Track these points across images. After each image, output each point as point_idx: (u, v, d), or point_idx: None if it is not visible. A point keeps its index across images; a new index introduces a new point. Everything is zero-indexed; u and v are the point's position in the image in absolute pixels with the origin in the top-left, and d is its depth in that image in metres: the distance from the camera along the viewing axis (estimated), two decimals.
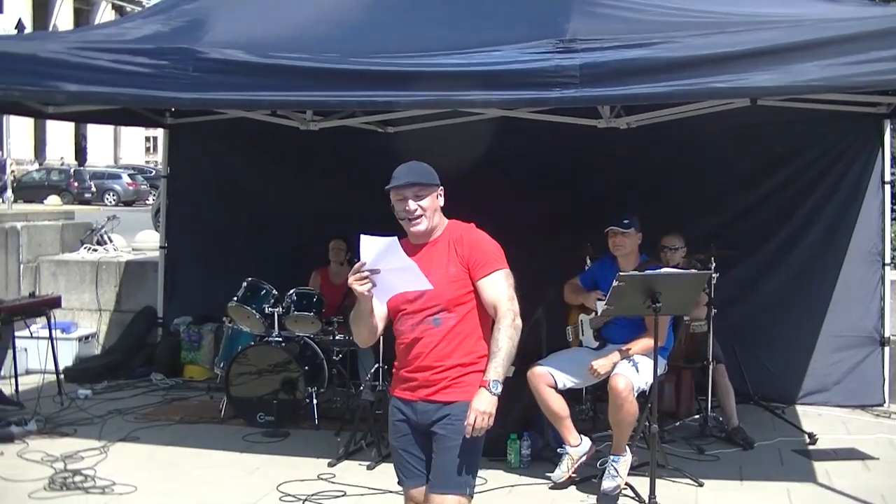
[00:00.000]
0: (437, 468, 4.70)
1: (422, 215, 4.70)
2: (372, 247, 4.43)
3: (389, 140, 10.49)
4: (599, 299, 7.43)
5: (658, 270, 7.18)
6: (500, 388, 4.52)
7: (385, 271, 4.44)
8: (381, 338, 8.70)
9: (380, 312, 4.80)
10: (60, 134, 56.27)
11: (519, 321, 4.63)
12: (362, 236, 4.42)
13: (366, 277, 4.46)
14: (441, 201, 4.80)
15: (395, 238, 4.41)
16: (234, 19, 7.37)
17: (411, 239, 4.76)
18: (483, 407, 4.49)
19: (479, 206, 10.11)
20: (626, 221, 7.48)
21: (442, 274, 4.66)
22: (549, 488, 7.35)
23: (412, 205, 4.68)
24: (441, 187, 4.81)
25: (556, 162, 10.09)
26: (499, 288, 4.66)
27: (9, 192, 23.21)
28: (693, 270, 8.01)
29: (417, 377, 4.74)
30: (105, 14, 57.86)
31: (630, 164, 9.85)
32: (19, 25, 21.58)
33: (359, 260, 4.47)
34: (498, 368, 4.54)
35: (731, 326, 9.08)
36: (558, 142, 9.69)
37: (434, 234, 4.79)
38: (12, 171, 25.13)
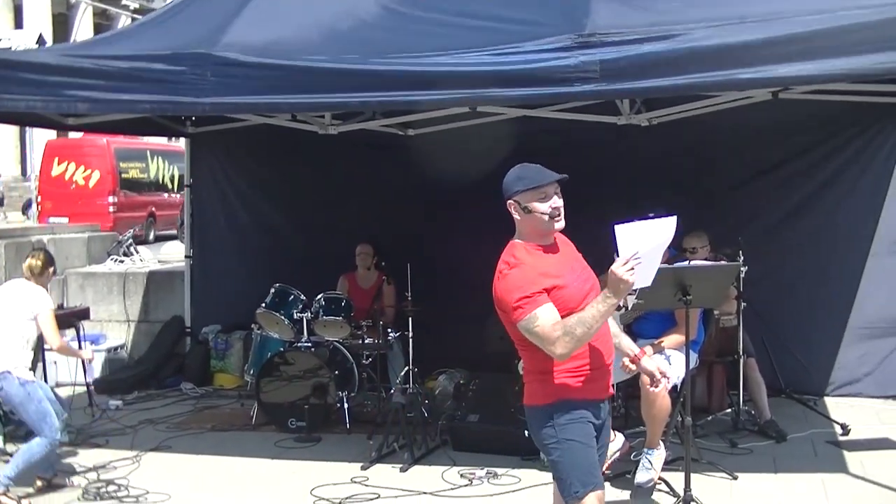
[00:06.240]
0: (601, 462, 4.87)
1: (562, 213, 4.67)
2: (633, 235, 4.45)
3: (411, 143, 10.48)
4: (629, 294, 7.39)
5: (687, 263, 7.14)
6: None
7: (643, 257, 4.42)
8: (411, 340, 8.84)
9: None
10: None
11: None
12: (619, 226, 4.43)
13: (632, 269, 4.39)
14: None
15: (653, 218, 4.57)
16: (250, 21, 7.33)
17: (540, 241, 4.71)
18: None
19: (501, 205, 10.23)
20: (651, 215, 7.39)
21: (589, 272, 4.85)
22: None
23: (559, 200, 4.66)
24: None
25: (579, 161, 10.00)
26: None
27: (34, 207, 23.32)
28: (723, 262, 7.99)
29: (605, 374, 4.74)
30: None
31: (653, 161, 9.80)
32: (40, 40, 21.60)
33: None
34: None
35: (760, 320, 9.04)
36: (580, 141, 9.66)
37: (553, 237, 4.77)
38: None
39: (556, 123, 9.20)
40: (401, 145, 10.50)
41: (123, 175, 24.35)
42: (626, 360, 6.95)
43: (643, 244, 4.41)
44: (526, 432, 5.17)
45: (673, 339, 7.16)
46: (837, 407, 9.33)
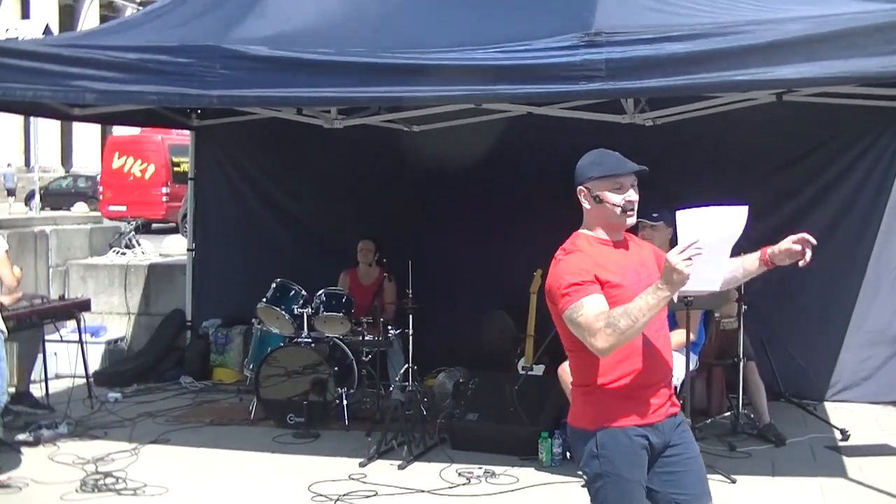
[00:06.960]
0: (697, 478, 4.22)
1: (635, 208, 4.26)
2: (695, 222, 3.99)
3: (415, 139, 10.45)
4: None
5: None
6: None
7: (704, 249, 3.88)
8: (411, 337, 8.82)
9: None
10: (87, 141, 56.49)
11: None
12: (680, 212, 4.00)
13: (689, 259, 3.82)
14: None
15: (718, 207, 4.08)
16: (259, 13, 7.33)
17: (607, 235, 4.25)
18: None
19: (504, 203, 10.23)
20: (655, 215, 7.41)
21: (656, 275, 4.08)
22: (582, 486, 7.29)
23: (635, 195, 4.27)
24: None
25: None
26: None
27: (37, 199, 23.38)
28: None
29: (663, 392, 4.20)
30: None
31: (655, 161, 9.74)
32: (47, 31, 21.63)
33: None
34: None
35: (761, 323, 9.01)
36: (583, 140, 9.59)
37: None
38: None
39: (559, 122, 9.17)
40: (405, 141, 10.47)
41: (175, 168, 26.08)
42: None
43: (706, 234, 3.91)
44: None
45: (673, 341, 7.13)
46: (837, 412, 9.31)
